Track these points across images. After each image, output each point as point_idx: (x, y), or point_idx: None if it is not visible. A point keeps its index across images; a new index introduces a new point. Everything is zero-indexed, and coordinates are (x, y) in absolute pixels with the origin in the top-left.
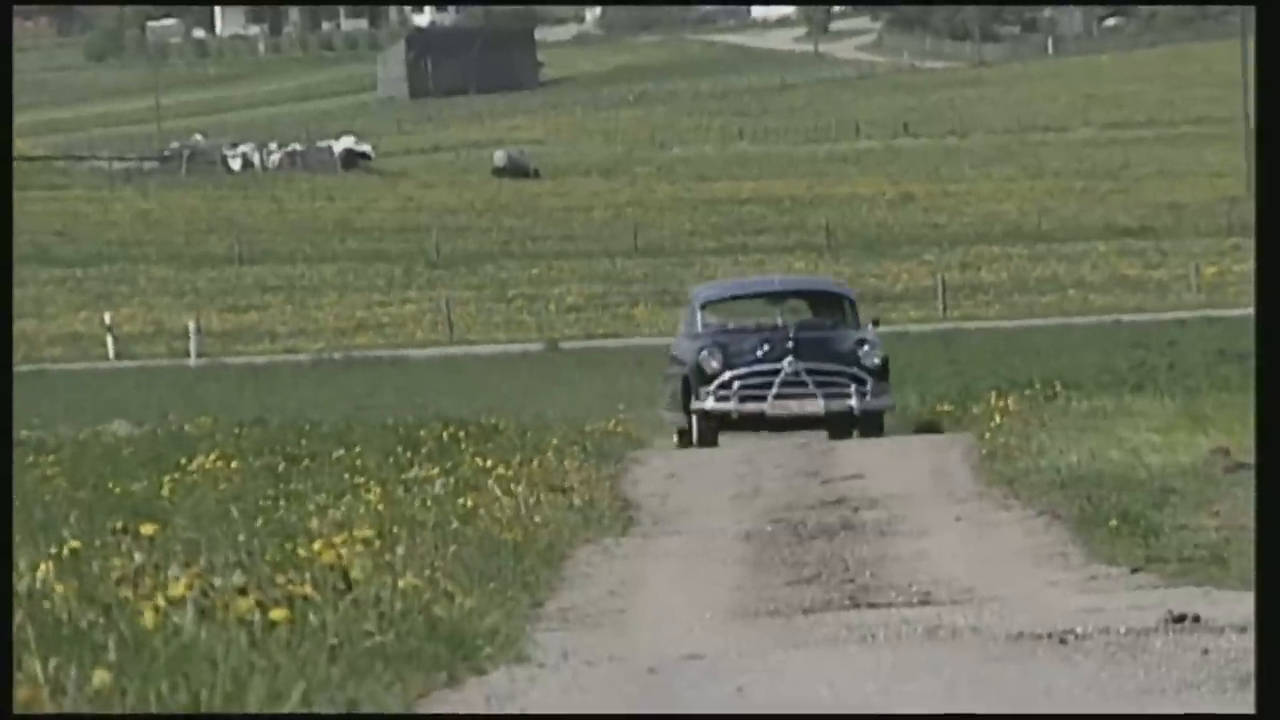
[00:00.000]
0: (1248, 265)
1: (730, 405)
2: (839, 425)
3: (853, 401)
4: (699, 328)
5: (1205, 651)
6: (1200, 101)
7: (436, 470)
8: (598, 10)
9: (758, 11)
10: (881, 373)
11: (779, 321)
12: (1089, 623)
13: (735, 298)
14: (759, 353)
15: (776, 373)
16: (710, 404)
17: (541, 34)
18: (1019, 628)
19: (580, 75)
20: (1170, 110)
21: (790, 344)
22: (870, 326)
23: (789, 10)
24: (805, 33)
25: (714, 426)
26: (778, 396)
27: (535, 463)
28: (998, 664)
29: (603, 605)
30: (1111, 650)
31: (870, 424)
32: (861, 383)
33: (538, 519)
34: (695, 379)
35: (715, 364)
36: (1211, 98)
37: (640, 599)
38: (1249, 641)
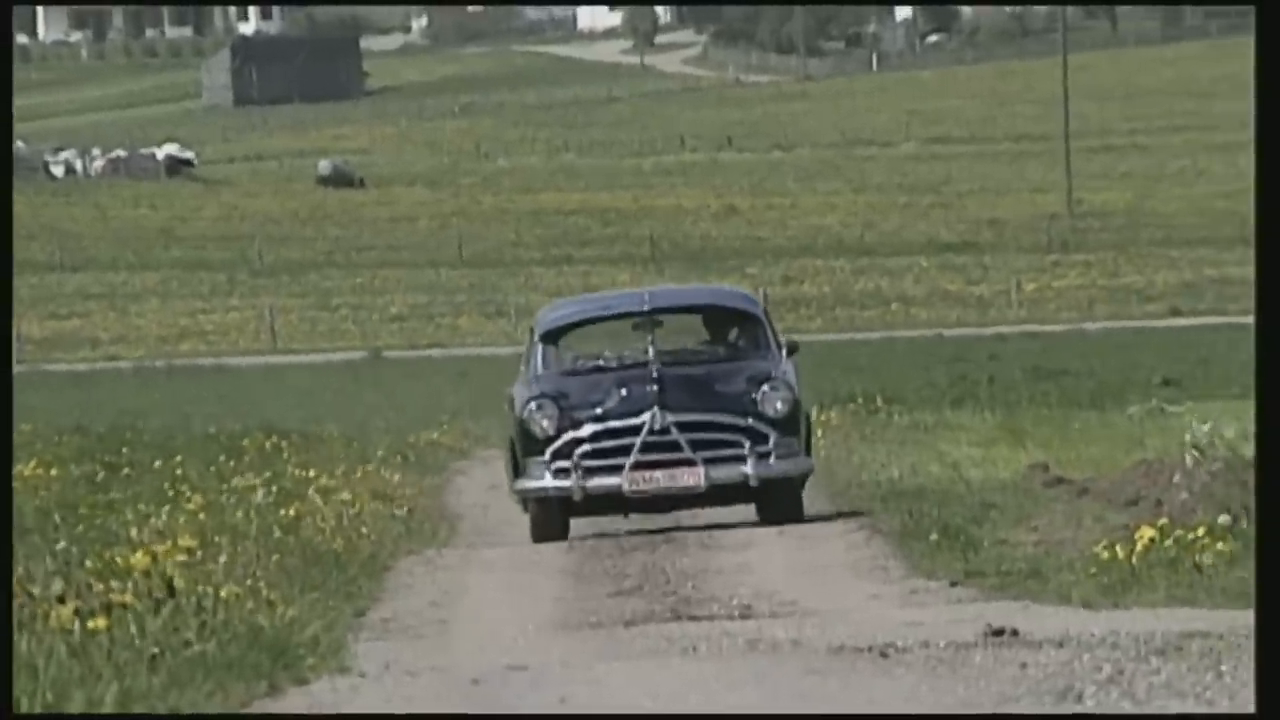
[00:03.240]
0: (1067, 281)
1: (571, 482)
2: (731, 501)
3: (747, 467)
4: (538, 369)
5: (1024, 665)
6: (1021, 118)
7: (259, 480)
8: (424, 20)
9: (584, 23)
10: (789, 424)
11: (647, 354)
12: (909, 636)
13: (589, 322)
14: (611, 402)
15: (635, 430)
16: (546, 480)
17: (367, 43)
18: (840, 640)
19: (406, 85)
20: (991, 126)
21: (654, 387)
22: (783, 355)
23: (615, 22)
24: (631, 45)
25: (554, 513)
26: (638, 466)
27: (358, 473)
28: (819, 676)
29: (425, 616)
30: (931, 664)
31: (778, 499)
32: (760, 439)
33: (361, 529)
34: (521, 445)
35: (547, 423)
36: (1032, 115)
37: (463, 610)
38: (1066, 655)
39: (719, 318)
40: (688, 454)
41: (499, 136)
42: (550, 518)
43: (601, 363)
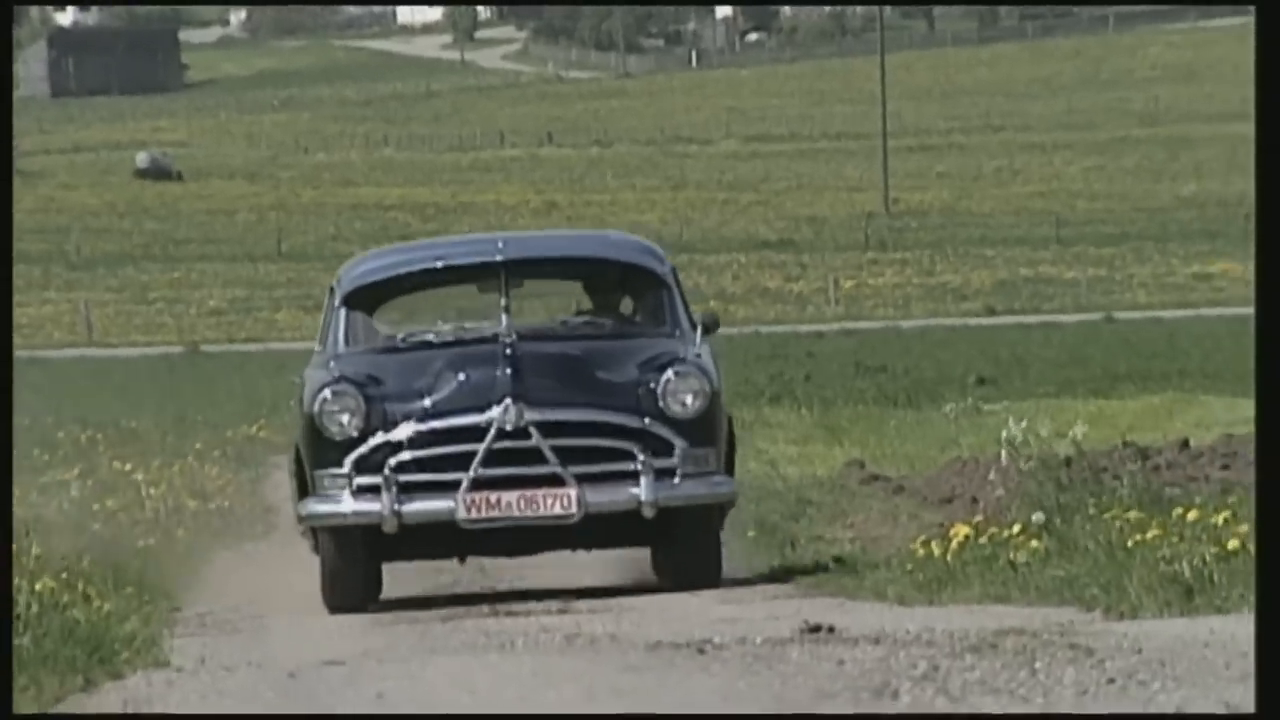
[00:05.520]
0: (884, 279)
1: (381, 506)
2: (616, 540)
3: (641, 490)
4: (339, 345)
5: (840, 662)
6: (839, 117)
7: (74, 473)
8: (242, 14)
9: (404, 18)
10: (702, 427)
11: (500, 328)
12: (726, 632)
13: (414, 279)
14: (444, 391)
15: (478, 432)
16: (344, 504)
17: (186, 36)
18: (657, 637)
19: (225, 78)
20: (810, 125)
21: (506, 370)
22: (697, 334)
23: (435, 17)
24: (451, 40)
25: (357, 556)
26: (480, 484)
27: (175, 467)
28: (636, 673)
29: (242, 610)
30: (748, 660)
31: (684, 540)
32: (661, 450)
33: (177, 523)
34: (312, 452)
35: (348, 419)
36: (850, 113)
37: (279, 604)
38: (882, 651)
39: (606, 278)
40: (554, 468)
41: (318, 130)
42: (350, 565)
43: (433, 337)
